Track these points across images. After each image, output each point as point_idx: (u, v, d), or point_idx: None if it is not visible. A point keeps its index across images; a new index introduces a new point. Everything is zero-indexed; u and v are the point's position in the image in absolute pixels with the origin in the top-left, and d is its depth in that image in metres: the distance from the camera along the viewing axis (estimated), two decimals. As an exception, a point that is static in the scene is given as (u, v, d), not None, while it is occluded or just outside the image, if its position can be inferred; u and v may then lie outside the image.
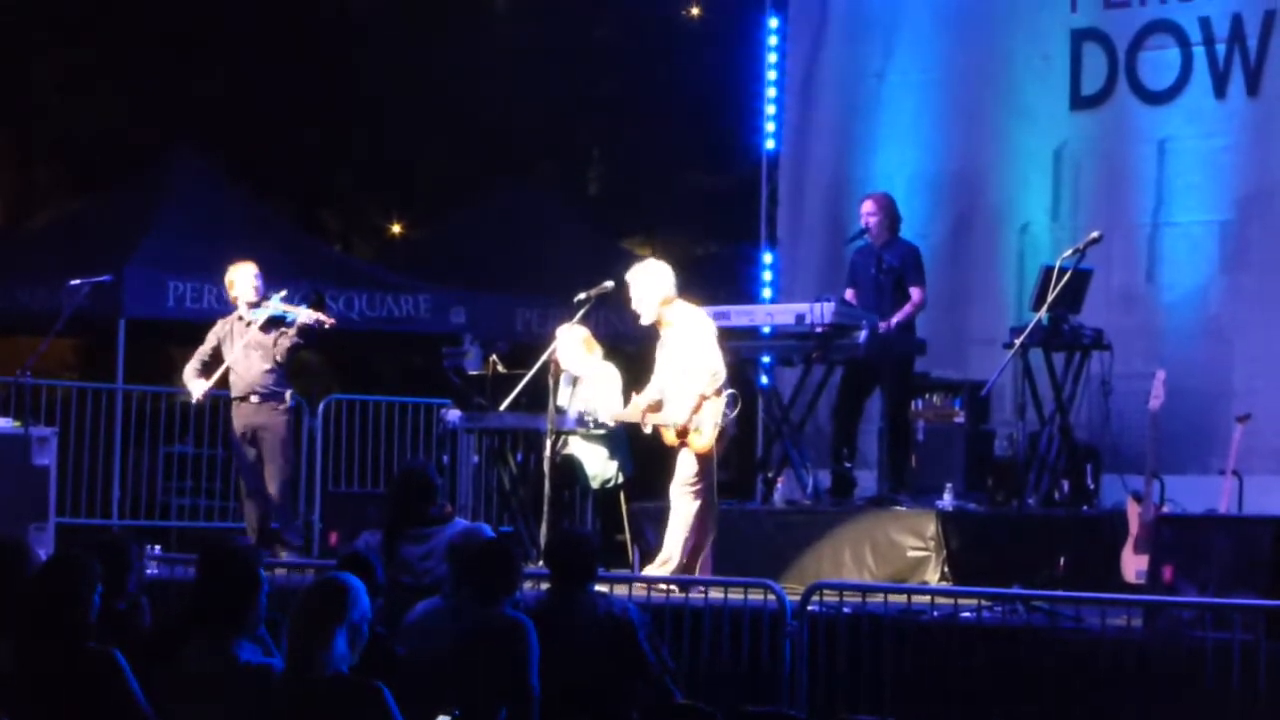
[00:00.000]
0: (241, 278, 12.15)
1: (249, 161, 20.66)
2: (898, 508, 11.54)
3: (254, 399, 12.02)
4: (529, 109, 22.41)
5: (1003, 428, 12.48)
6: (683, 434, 10.47)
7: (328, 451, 15.66)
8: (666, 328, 10.60)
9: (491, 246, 18.48)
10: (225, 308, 12.82)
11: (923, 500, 11.60)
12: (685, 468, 10.52)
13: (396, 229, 24.28)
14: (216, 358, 12.13)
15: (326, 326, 12.14)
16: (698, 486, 10.48)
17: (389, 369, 20.34)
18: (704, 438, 10.42)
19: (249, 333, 12.01)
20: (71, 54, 22.34)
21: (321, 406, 15.72)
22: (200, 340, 12.29)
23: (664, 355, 10.64)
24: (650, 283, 10.54)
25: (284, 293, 12.17)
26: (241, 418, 12.08)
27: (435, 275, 17.75)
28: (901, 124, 14.52)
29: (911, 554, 11.07)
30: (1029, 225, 13.92)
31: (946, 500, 11.42)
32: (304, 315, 11.99)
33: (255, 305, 12.06)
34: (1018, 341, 11.41)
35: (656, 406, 10.60)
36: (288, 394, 12.12)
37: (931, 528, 11.04)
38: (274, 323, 12.02)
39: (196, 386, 12.16)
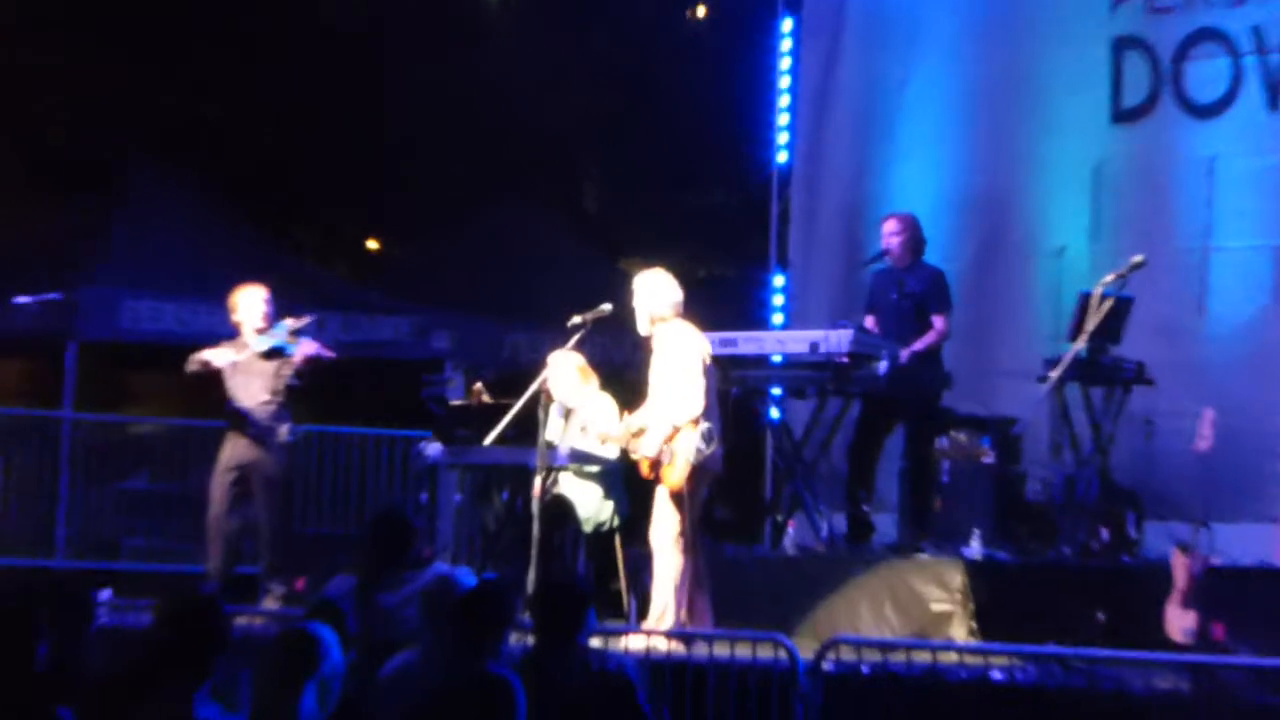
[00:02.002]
0: (247, 302, 12.10)
1: (215, 172, 20.63)
2: (920, 556, 11.56)
3: (248, 430, 11.92)
4: (522, 119, 22.40)
5: (1035, 469, 12.45)
6: (655, 466, 10.46)
7: (295, 488, 15.57)
8: (657, 348, 10.59)
9: (479, 266, 18.48)
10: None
11: (948, 548, 11.61)
12: (662, 509, 10.56)
13: (375, 245, 24.27)
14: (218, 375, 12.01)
15: (325, 360, 12.10)
16: (678, 530, 10.45)
17: (364, 398, 20.28)
18: (676, 472, 10.40)
19: (250, 360, 11.95)
20: (24, 60, 22.31)
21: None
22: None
23: (652, 378, 10.66)
24: (644, 293, 10.62)
25: (290, 320, 12.13)
26: (232, 450, 12.00)
27: (417, 296, 17.73)
28: (924, 138, 14.56)
29: (936, 607, 11.06)
30: (1065, 249, 13.92)
31: (974, 548, 11.45)
32: (306, 347, 11.95)
33: (262, 332, 12.00)
34: (1053, 375, 11.43)
35: (642, 432, 10.59)
36: (284, 429, 12.04)
37: (958, 578, 11.05)
38: (276, 353, 11.97)
39: (206, 354, 11.99)
